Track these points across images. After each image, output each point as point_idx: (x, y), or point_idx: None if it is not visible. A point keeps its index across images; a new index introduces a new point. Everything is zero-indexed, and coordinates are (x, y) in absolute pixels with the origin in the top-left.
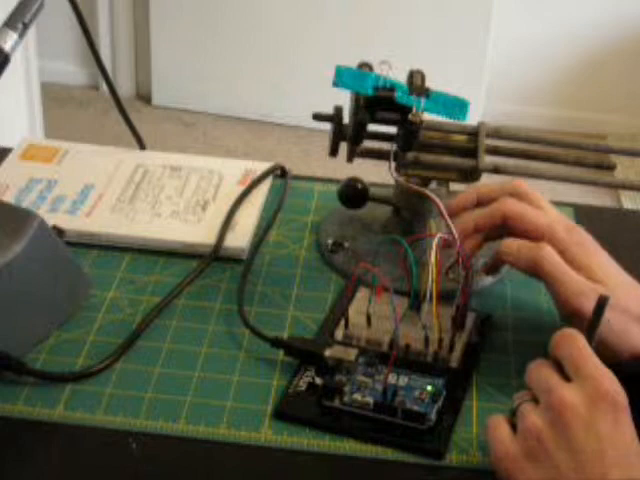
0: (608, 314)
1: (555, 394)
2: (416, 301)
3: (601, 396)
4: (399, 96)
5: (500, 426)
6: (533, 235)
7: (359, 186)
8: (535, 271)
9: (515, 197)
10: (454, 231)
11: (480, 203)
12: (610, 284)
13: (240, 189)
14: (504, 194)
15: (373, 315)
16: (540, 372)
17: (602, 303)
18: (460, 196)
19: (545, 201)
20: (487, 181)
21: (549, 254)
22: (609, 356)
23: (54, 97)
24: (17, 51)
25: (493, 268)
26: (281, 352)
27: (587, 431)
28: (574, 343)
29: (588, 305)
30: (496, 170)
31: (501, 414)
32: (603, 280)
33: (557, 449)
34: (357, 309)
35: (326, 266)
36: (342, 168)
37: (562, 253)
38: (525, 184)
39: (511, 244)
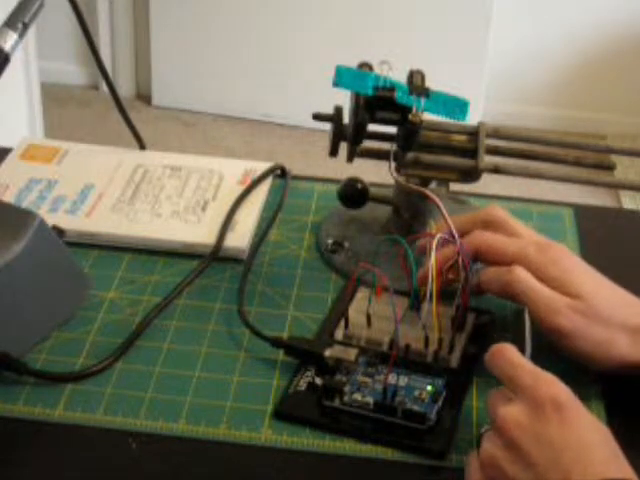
0: (590, 327)
1: (499, 416)
2: (416, 301)
3: (540, 403)
4: (399, 96)
5: (471, 463)
6: (506, 263)
7: (359, 186)
8: (508, 294)
9: (489, 225)
10: (454, 231)
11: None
12: (589, 297)
13: (240, 189)
14: (477, 224)
15: (373, 315)
16: (488, 398)
17: (521, 313)
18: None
19: (519, 224)
20: (487, 181)
21: (519, 275)
22: (594, 367)
23: (54, 97)
24: (17, 51)
25: (476, 293)
26: (281, 352)
27: (537, 442)
28: (503, 357)
29: (563, 322)
30: (496, 170)
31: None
32: (581, 294)
33: (514, 470)
34: (357, 309)
35: (326, 266)
36: (342, 168)
37: (536, 275)
38: (498, 210)
39: (487, 272)
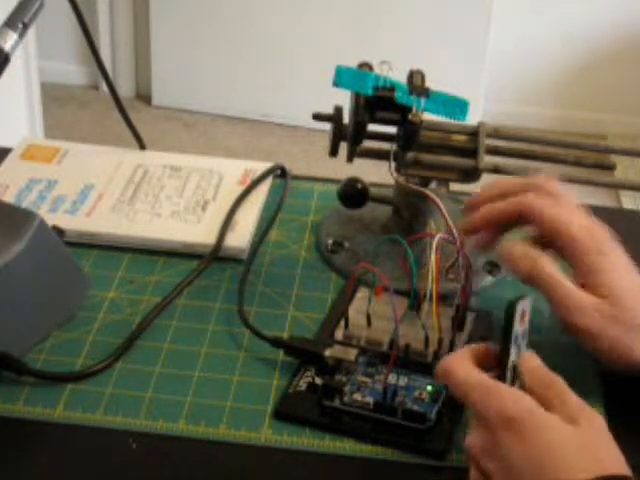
0: (614, 331)
1: (465, 446)
2: (416, 301)
3: (491, 425)
4: (399, 96)
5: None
6: (548, 233)
7: (359, 186)
8: (532, 282)
9: (541, 194)
10: (454, 231)
11: (504, 197)
12: (619, 301)
13: (240, 189)
14: (529, 188)
15: (373, 315)
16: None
17: (510, 309)
18: (482, 190)
19: (574, 202)
20: (487, 181)
21: (547, 266)
22: (615, 369)
23: (54, 97)
24: (17, 51)
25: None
26: (281, 352)
27: (500, 464)
28: (448, 378)
29: (585, 322)
30: (496, 170)
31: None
32: (611, 295)
33: None
34: (357, 309)
35: (326, 266)
36: (342, 168)
37: (574, 252)
38: (556, 183)
39: (511, 249)
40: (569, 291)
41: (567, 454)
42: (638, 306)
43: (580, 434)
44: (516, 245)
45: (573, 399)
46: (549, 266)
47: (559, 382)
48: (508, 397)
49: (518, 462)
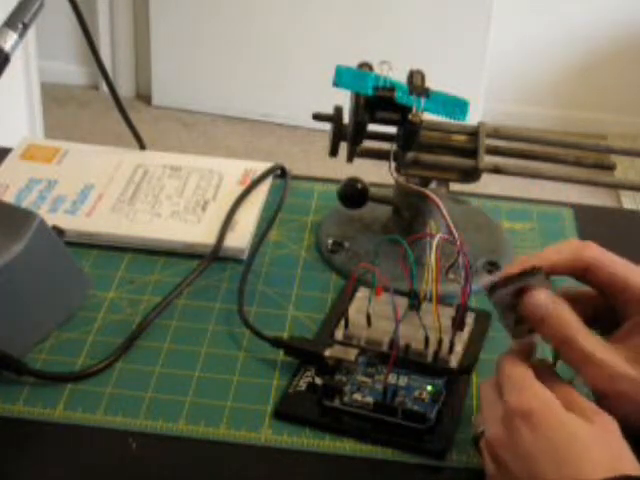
0: None
1: (485, 436)
2: (416, 301)
3: (511, 416)
4: (399, 96)
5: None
6: (618, 291)
7: (359, 186)
8: (559, 351)
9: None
10: (454, 231)
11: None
12: None
13: (240, 189)
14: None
15: (373, 315)
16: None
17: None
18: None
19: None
20: (487, 181)
21: (575, 337)
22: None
23: (54, 97)
24: (17, 51)
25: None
26: (281, 352)
27: (515, 456)
28: (497, 370)
29: (619, 389)
30: (496, 170)
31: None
32: None
33: None
34: (357, 309)
35: (326, 266)
36: (342, 168)
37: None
38: (594, 246)
39: (536, 309)
40: (598, 359)
41: (588, 450)
42: None
43: (599, 433)
44: (541, 301)
45: (585, 401)
46: (575, 336)
47: (566, 385)
48: (530, 389)
49: (536, 455)
